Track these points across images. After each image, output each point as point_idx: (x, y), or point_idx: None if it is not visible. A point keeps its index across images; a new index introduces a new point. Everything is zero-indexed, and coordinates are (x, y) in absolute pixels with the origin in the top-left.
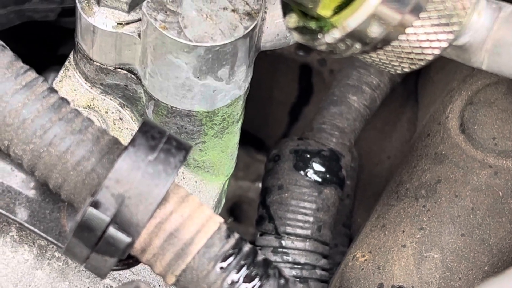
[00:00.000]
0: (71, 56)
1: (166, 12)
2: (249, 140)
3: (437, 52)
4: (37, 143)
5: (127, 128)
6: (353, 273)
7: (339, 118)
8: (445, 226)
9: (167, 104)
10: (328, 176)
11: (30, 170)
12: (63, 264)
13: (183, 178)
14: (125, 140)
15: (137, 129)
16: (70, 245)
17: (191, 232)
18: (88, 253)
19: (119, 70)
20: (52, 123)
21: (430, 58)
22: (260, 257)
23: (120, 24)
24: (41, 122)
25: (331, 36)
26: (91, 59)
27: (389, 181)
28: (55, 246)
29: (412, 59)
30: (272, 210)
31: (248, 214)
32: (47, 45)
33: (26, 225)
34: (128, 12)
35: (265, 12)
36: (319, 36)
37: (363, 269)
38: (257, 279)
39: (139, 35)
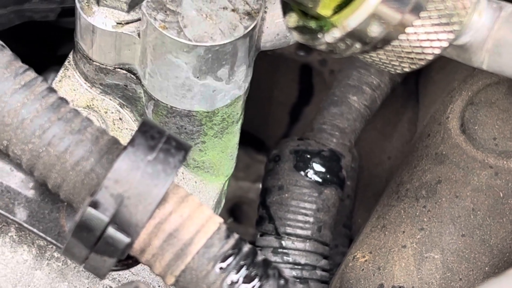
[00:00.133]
0: (70, 56)
1: (165, 11)
2: (250, 140)
3: (437, 51)
4: (36, 143)
5: (126, 128)
6: (354, 274)
7: (339, 119)
8: (446, 227)
9: (167, 104)
10: (328, 176)
11: (29, 170)
12: (62, 264)
13: (183, 178)
14: (124, 140)
15: (136, 129)
16: (69, 245)
17: (190, 232)
18: (87, 254)
19: (118, 70)
20: (51, 123)
21: (430, 57)
22: (259, 258)
23: (120, 23)
24: (40, 122)
25: (331, 36)
26: (90, 59)
27: (389, 181)
28: (54, 247)
29: (412, 58)
30: (272, 211)
31: (249, 215)
32: (47, 45)
33: (25, 225)
34: (128, 11)
35: (265, 12)
36: (319, 36)
37: (363, 269)
38: (256, 280)
39: (138, 35)
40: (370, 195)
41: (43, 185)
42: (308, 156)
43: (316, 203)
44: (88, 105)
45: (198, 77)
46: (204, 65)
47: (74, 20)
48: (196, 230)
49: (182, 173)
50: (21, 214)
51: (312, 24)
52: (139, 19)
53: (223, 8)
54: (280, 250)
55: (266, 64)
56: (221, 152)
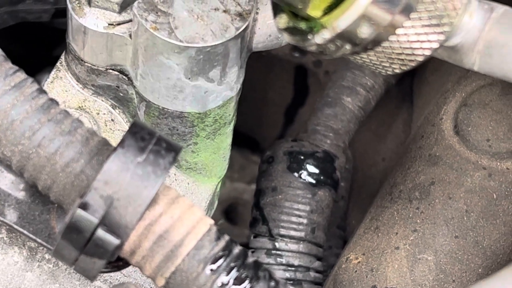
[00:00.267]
0: (62, 57)
1: (157, 12)
2: (245, 141)
3: (427, 53)
4: (26, 144)
5: (118, 130)
6: (347, 276)
7: (333, 120)
8: (439, 228)
9: (159, 105)
10: (322, 177)
11: (19, 172)
12: (53, 266)
13: (175, 179)
14: (117, 141)
15: None
16: (58, 247)
17: (180, 234)
18: (76, 255)
19: (110, 71)
20: (41, 124)
21: (420, 59)
22: (250, 259)
23: (111, 24)
24: (30, 123)
25: (321, 37)
26: (82, 60)
27: (383, 182)
28: (45, 248)
29: (402, 60)
30: (266, 212)
31: (243, 216)
32: (42, 46)
33: (16, 227)
34: (119, 12)
35: (257, 13)
36: (309, 37)
37: (356, 271)
38: (247, 281)
39: (130, 36)
40: (364, 196)
41: (33, 187)
42: (302, 157)
43: (309, 205)
44: (80, 106)
45: (189, 78)
46: (195, 66)
47: None
48: (186, 232)
49: (175, 174)
50: (11, 216)
51: (302, 25)
52: (130, 20)
53: (215, 9)
54: (273, 251)
55: (261, 65)
56: (213, 154)
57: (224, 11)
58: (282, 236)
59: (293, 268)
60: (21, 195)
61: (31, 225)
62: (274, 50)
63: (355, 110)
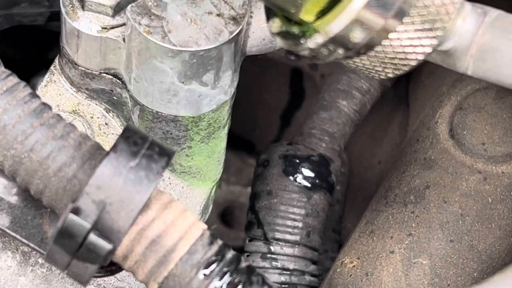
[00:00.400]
0: (56, 60)
1: (150, 16)
2: (241, 144)
3: (420, 57)
4: (18, 148)
5: (112, 134)
6: (341, 280)
7: (329, 123)
8: (434, 232)
9: (153, 109)
10: (317, 181)
11: (11, 176)
12: (46, 270)
13: (170, 183)
14: (111, 145)
15: None
16: (51, 251)
17: (173, 238)
18: (69, 260)
19: (104, 74)
20: (33, 129)
21: (413, 63)
22: (243, 264)
23: (105, 28)
24: (22, 128)
25: (314, 41)
26: (76, 64)
27: (379, 186)
28: (38, 253)
29: (395, 64)
30: (261, 216)
31: (240, 219)
32: (37, 49)
33: (8, 231)
34: (113, 16)
35: (251, 17)
36: (301, 41)
37: (351, 275)
38: (240, 286)
39: (123, 40)
40: (360, 200)
41: (25, 191)
42: (297, 161)
43: (305, 208)
44: (74, 110)
45: (183, 82)
46: (189, 70)
47: None
48: (179, 237)
49: (169, 178)
50: (4, 220)
51: (295, 29)
52: (124, 24)
53: (208, 13)
54: (268, 255)
55: (257, 68)
56: (207, 157)
57: (218, 15)
58: (277, 239)
59: (288, 272)
60: (13, 199)
61: (23, 229)
62: (270, 53)
63: (350, 113)
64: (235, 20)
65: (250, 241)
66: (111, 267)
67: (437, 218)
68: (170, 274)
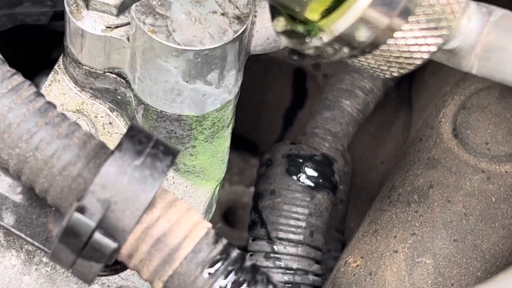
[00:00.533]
0: (60, 60)
1: (155, 15)
2: (244, 144)
3: (426, 56)
4: (23, 147)
5: (116, 133)
6: (345, 279)
7: (332, 123)
8: (438, 232)
9: (157, 109)
10: (320, 181)
11: (16, 175)
12: (51, 269)
13: (174, 182)
14: (114, 144)
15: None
16: (56, 250)
17: (178, 237)
18: (74, 259)
19: (108, 74)
20: (38, 128)
21: (419, 62)
22: (248, 263)
23: (109, 27)
24: (27, 127)
25: (319, 40)
26: (80, 63)
27: (382, 186)
28: (42, 252)
29: (401, 63)
30: (264, 215)
31: (242, 219)
32: (40, 49)
33: (13, 230)
34: (117, 15)
35: (255, 16)
36: (306, 40)
37: (355, 274)
38: (245, 285)
39: (128, 39)
40: (363, 199)
41: (30, 190)
42: (301, 160)
43: (308, 208)
44: (78, 109)
45: (187, 82)
46: (193, 70)
47: None
48: (184, 235)
49: (173, 177)
50: (8, 219)
51: (300, 28)
52: (128, 23)
53: (213, 12)
54: (272, 254)
55: (260, 68)
56: (211, 157)
57: (222, 14)
58: (281, 239)
59: (291, 271)
60: (18, 198)
61: (28, 228)
62: (273, 53)
63: (353, 113)
64: (239, 19)
65: (253, 240)
66: (115, 266)
67: (441, 217)
68: (175, 272)
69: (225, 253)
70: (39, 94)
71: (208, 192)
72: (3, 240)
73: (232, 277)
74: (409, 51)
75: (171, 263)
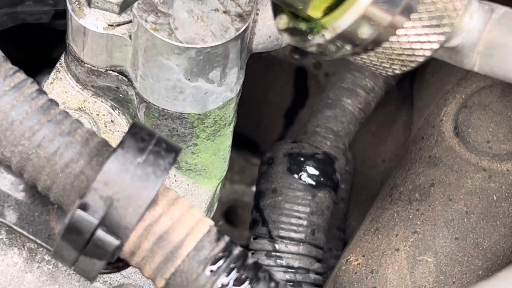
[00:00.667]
0: (62, 58)
1: (157, 13)
2: (245, 143)
3: (428, 53)
4: (26, 145)
5: (118, 131)
6: (346, 277)
7: (333, 121)
8: (439, 230)
9: (159, 107)
10: (322, 179)
11: (19, 172)
12: (53, 267)
13: (175, 181)
14: (116, 142)
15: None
16: (58, 248)
17: (180, 235)
18: (76, 256)
19: (110, 72)
20: (40, 125)
21: (421, 59)
22: (250, 260)
23: (111, 25)
24: (30, 124)
25: (321, 38)
26: (82, 61)
27: (384, 184)
28: (44, 249)
29: (403, 60)
30: (266, 214)
31: (243, 218)
32: (41, 47)
33: (15, 227)
34: (119, 13)
35: (257, 14)
36: (309, 38)
37: (356, 273)
38: (247, 283)
39: (130, 37)
40: (364, 198)
41: (33, 188)
42: (302, 159)
43: (309, 206)
44: (79, 107)
45: (189, 79)
46: (195, 67)
47: None
48: (186, 233)
49: (174, 175)
50: (11, 217)
51: (302, 25)
52: (130, 21)
53: (215, 10)
54: (273, 253)
55: (261, 67)
56: (213, 155)
57: (224, 12)
58: (282, 237)
59: (293, 270)
60: (20, 196)
61: (30, 226)
62: (274, 52)
63: (355, 111)
64: (241, 17)
65: (254, 239)
66: (117, 264)
67: (442, 215)
68: (177, 270)
69: (227, 251)
70: (41, 92)
71: (210, 190)
72: (5, 238)
73: (234, 274)
74: (411, 49)
75: (173, 261)
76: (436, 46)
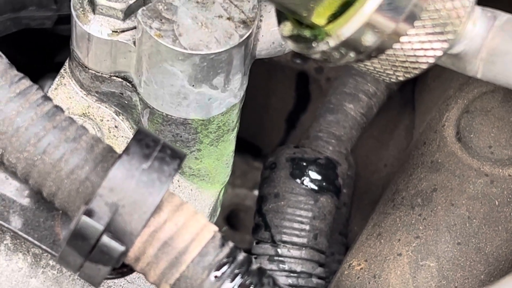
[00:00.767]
0: (66, 64)
1: (161, 20)
2: (247, 148)
3: (431, 60)
4: (31, 151)
5: (122, 136)
6: (349, 282)
7: (335, 126)
8: (441, 235)
9: (162, 112)
10: (324, 184)
11: (24, 179)
12: (57, 272)
13: (179, 186)
14: (120, 148)
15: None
16: (63, 253)
17: (185, 240)
18: (81, 262)
19: (114, 78)
20: (46, 131)
21: (424, 66)
22: (254, 266)
23: (115, 32)
24: (35, 130)
25: (325, 45)
26: (86, 67)
27: (386, 189)
28: (49, 255)
29: (406, 67)
30: (268, 218)
31: (245, 222)
32: (44, 52)
33: (20, 233)
34: (123, 20)
35: (261, 20)
36: (313, 45)
37: (359, 277)
38: None
39: (134, 43)
40: (366, 202)
41: (38, 193)
42: (304, 163)
43: (312, 211)
44: (83, 113)
45: (193, 86)
46: (199, 74)
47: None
48: (191, 239)
49: (178, 180)
50: (16, 222)
51: (307, 33)
52: (134, 27)
53: (219, 16)
54: (276, 257)
55: (263, 72)
56: (216, 160)
57: (228, 19)
58: (285, 242)
59: (295, 274)
60: (25, 201)
61: (35, 231)
62: (276, 57)
63: (357, 116)
64: (245, 23)
65: (257, 243)
66: (122, 269)
67: (444, 220)
68: (181, 275)
69: (231, 256)
70: (46, 98)
71: (213, 195)
72: (10, 243)
73: (238, 280)
74: (415, 56)
75: (178, 266)
76: (439, 53)
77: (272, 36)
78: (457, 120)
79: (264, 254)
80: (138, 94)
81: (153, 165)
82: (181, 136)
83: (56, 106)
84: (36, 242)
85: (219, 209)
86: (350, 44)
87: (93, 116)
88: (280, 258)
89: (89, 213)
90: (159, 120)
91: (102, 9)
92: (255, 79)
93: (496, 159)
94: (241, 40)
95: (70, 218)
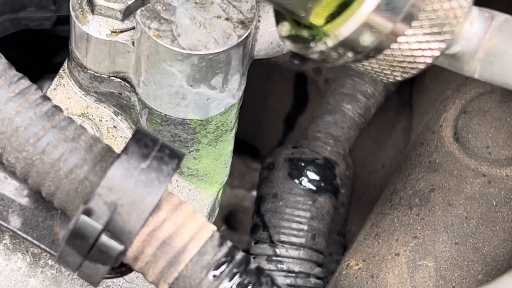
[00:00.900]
0: (65, 64)
1: (159, 20)
2: (245, 148)
3: (429, 60)
4: (30, 151)
5: (121, 136)
6: (347, 282)
7: (333, 127)
8: (439, 235)
9: (161, 112)
10: (322, 184)
11: (23, 178)
12: (56, 272)
13: (177, 186)
14: (119, 148)
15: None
16: (62, 253)
17: (183, 240)
18: (80, 261)
19: (113, 78)
20: (45, 131)
21: (422, 66)
22: (252, 265)
23: (114, 32)
24: (34, 130)
25: (323, 45)
26: (85, 67)
27: (383, 189)
28: (48, 254)
29: (404, 67)
30: (267, 219)
31: (243, 223)
32: (43, 53)
33: (19, 233)
34: (122, 20)
35: (259, 21)
36: (311, 45)
37: (357, 277)
38: (249, 287)
39: (133, 43)
40: (364, 203)
41: (37, 193)
42: (302, 164)
43: (310, 211)
44: (82, 113)
45: (192, 86)
46: (198, 74)
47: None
48: (189, 238)
49: (176, 180)
50: (15, 222)
51: (305, 33)
52: (133, 28)
53: (217, 17)
54: (274, 258)
55: (261, 73)
56: (215, 160)
57: (226, 19)
58: (283, 242)
59: (293, 274)
60: (24, 201)
61: (34, 231)
62: (274, 58)
63: (355, 117)
64: (243, 24)
65: (255, 243)
66: (121, 268)
67: (442, 220)
68: (180, 275)
69: (230, 256)
70: (45, 98)
71: (211, 195)
72: (9, 243)
73: (237, 279)
74: (412, 56)
75: (177, 266)
76: (437, 53)
77: (271, 37)
78: (455, 120)
79: (262, 254)
80: (136, 94)
81: (152, 165)
82: (179, 136)
83: (55, 106)
84: (35, 242)
85: (217, 209)
86: (348, 44)
87: (92, 116)
88: (278, 258)
89: (88, 213)
90: (158, 120)
91: (101, 10)
92: (253, 80)
93: (494, 159)
94: (240, 40)
95: (69, 217)
